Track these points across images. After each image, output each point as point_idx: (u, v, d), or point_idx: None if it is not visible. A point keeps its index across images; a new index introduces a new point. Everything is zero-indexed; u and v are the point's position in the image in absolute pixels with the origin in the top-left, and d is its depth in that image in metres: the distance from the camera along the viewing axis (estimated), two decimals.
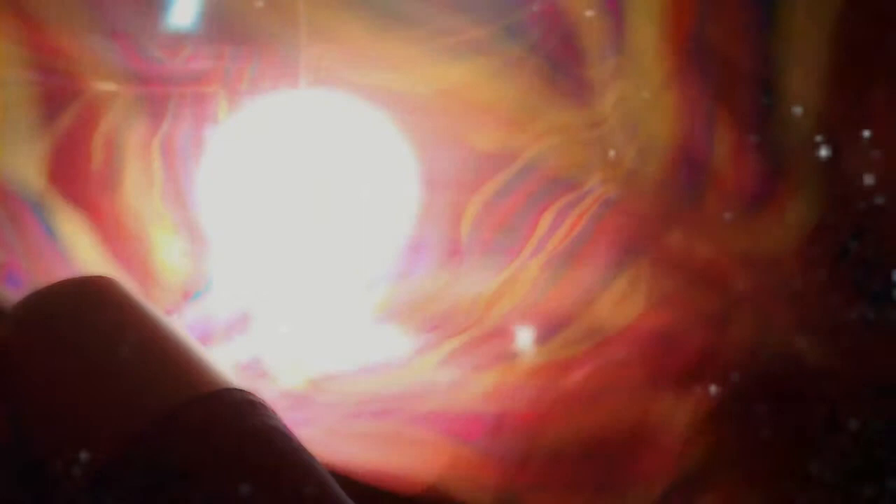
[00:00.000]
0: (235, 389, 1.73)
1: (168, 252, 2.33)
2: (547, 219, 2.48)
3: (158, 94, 2.32)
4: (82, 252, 2.22)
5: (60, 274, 2.08)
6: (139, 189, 2.30)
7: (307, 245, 2.29)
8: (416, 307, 2.41)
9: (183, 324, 2.23)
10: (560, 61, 2.52)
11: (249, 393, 1.74)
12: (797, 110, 2.41)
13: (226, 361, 2.34)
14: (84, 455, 1.52)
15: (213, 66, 2.33)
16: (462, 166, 2.46)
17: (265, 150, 2.29)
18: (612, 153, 2.45)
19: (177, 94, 2.32)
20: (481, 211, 2.47)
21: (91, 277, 1.90)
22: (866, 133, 2.38)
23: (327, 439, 2.31)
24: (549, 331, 2.39)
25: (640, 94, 2.50)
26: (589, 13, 2.48)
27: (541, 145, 2.51)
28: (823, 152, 2.48)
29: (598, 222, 2.41)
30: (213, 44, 2.32)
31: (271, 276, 2.32)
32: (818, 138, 2.47)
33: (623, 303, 2.39)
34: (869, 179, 2.39)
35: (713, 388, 2.31)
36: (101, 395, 1.64)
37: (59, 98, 2.26)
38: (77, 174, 2.25)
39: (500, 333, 2.43)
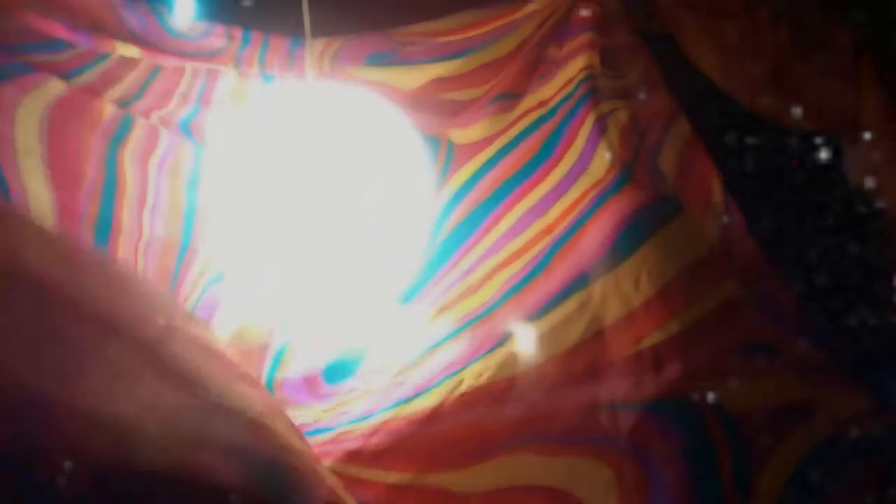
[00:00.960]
0: None
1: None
2: (525, 205, 2.49)
3: (173, 67, 2.33)
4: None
5: None
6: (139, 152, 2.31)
7: (310, 232, 2.26)
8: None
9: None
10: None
11: None
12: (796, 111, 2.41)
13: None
14: (73, 462, 1.50)
15: (225, 47, 2.35)
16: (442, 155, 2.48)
17: (271, 134, 2.28)
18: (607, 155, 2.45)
19: (191, 68, 2.33)
20: (456, 196, 2.51)
21: None
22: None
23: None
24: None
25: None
26: (584, 12, 2.49)
27: (521, 125, 2.54)
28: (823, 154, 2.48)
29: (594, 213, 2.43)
30: (225, 26, 2.34)
31: (273, 257, 2.29)
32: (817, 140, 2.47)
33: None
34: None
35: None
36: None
37: (83, 57, 2.26)
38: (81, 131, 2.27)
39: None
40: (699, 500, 2.22)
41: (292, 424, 1.85)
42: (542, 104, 2.53)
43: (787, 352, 2.38)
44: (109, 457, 1.51)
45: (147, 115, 2.32)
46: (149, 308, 1.77)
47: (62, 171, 2.20)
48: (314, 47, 2.32)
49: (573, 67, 2.49)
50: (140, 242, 2.29)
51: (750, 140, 2.51)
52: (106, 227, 2.25)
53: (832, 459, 2.26)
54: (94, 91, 2.26)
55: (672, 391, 2.30)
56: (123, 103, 2.30)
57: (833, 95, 2.39)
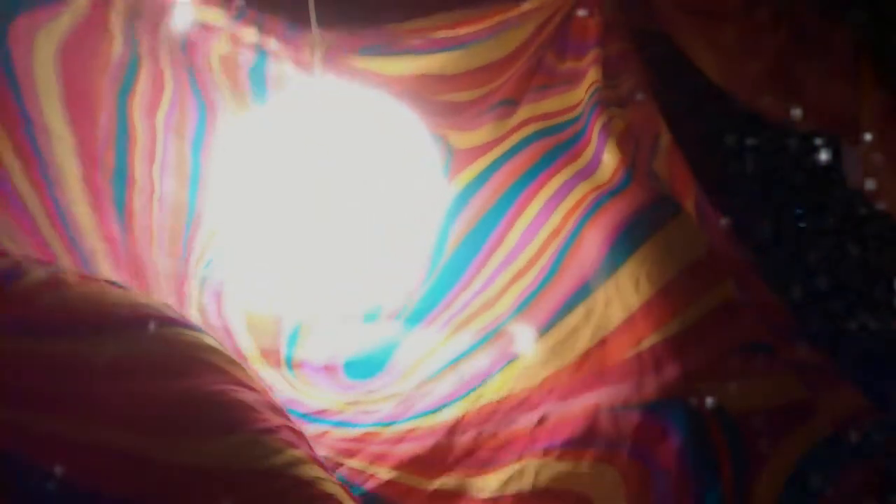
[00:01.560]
0: None
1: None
2: (531, 212, 2.50)
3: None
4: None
5: None
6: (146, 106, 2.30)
7: (314, 231, 2.24)
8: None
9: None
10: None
11: None
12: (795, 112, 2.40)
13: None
14: (61, 467, 1.51)
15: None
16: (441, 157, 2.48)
17: (274, 131, 2.26)
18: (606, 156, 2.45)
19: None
20: (459, 202, 2.50)
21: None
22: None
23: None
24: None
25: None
26: (583, 12, 2.48)
27: (521, 134, 2.54)
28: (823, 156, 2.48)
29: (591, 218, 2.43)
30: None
31: (277, 251, 2.27)
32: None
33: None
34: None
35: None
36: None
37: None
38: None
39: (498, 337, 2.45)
40: (699, 501, 2.23)
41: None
42: (544, 117, 2.52)
43: (787, 352, 2.39)
44: None
45: (154, 52, 2.29)
46: None
47: (79, 113, 2.18)
48: (310, 39, 2.30)
49: (582, 89, 2.49)
50: (153, 196, 2.27)
51: (750, 141, 2.51)
52: (122, 177, 2.23)
53: (832, 459, 2.26)
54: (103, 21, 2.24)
55: (671, 392, 2.30)
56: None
57: (833, 96, 2.38)
